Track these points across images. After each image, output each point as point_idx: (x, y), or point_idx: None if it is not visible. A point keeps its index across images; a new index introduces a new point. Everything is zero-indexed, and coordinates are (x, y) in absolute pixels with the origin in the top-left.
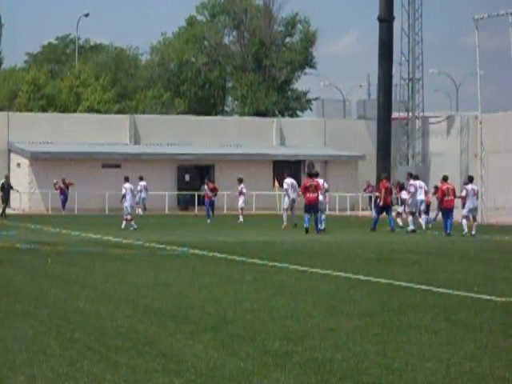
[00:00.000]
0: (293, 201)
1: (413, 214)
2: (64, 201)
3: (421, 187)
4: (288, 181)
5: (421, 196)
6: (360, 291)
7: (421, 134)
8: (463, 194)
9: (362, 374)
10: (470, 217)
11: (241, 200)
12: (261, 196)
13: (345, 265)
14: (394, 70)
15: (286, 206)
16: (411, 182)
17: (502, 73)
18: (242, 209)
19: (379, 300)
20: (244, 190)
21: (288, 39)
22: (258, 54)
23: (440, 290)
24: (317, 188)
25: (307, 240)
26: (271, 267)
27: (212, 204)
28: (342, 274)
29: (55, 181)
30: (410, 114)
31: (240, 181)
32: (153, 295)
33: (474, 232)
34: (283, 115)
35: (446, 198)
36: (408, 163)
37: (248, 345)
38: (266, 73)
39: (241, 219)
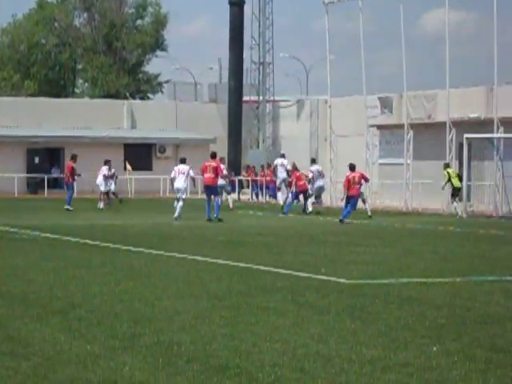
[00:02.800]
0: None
1: (311, 197)
2: None
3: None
4: (313, 168)
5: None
6: (209, 274)
7: (271, 117)
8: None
9: (209, 356)
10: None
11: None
12: None
13: (195, 248)
14: (244, 54)
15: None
16: (311, 167)
17: (352, 57)
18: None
19: (228, 282)
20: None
21: (139, 22)
22: (109, 36)
23: (288, 272)
24: (215, 170)
25: (158, 224)
26: (121, 251)
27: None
28: (191, 257)
29: None
30: (261, 97)
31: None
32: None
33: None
34: (134, 98)
35: (352, 186)
36: (258, 147)
37: (95, 328)
38: (117, 55)
39: (101, 205)
